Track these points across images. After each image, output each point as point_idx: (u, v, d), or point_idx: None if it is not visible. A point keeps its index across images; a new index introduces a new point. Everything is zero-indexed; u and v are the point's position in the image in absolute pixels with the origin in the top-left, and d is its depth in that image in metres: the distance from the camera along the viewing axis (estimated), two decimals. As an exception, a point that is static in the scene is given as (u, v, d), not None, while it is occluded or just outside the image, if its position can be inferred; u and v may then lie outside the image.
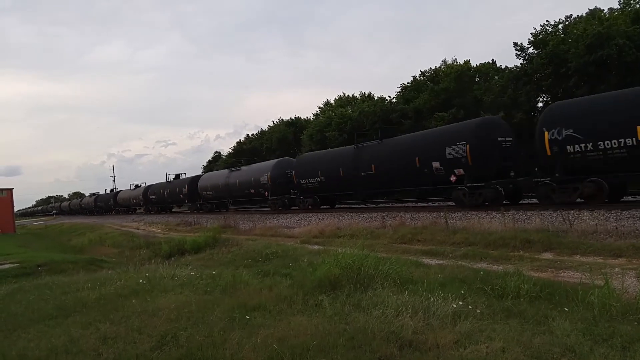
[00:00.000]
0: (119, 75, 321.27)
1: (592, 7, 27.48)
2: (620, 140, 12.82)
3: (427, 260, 10.96)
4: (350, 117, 38.07)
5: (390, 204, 25.88)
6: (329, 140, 36.90)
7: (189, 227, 29.96)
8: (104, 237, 32.47)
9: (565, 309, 5.76)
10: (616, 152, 13.05)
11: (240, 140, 60.35)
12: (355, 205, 27.79)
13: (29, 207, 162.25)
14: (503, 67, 32.89)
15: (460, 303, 5.93)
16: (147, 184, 51.58)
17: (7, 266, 15.44)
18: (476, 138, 16.97)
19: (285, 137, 48.76)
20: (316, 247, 14.95)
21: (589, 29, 23.81)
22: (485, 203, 16.93)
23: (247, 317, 5.89)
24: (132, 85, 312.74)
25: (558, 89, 26.22)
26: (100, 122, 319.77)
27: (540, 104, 28.19)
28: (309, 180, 25.65)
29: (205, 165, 66.33)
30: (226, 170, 36.21)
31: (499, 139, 16.96)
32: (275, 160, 30.77)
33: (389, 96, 41.14)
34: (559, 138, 14.27)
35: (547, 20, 28.09)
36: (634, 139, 12.49)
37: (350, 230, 17.04)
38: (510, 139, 17.26)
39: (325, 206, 26.60)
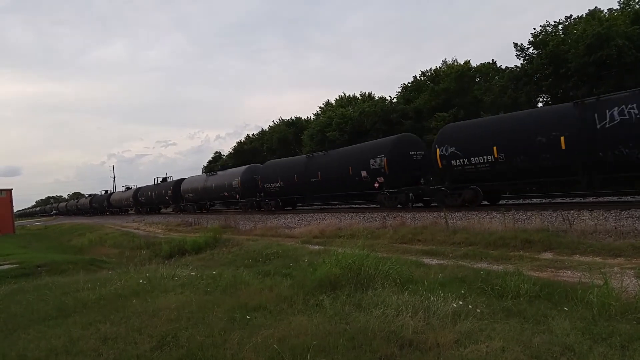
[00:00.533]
0: (120, 76, 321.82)
1: (592, 8, 27.51)
2: (484, 157, 16.51)
3: (427, 260, 10.97)
4: (350, 117, 38.02)
5: (336, 206, 29.76)
6: (330, 140, 36.88)
7: (189, 227, 29.97)
8: (104, 238, 32.46)
9: (565, 308, 5.78)
10: (482, 166, 16.65)
11: (240, 140, 60.14)
12: (310, 207, 31.23)
13: (29, 208, 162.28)
14: (503, 67, 32.90)
15: (461, 303, 5.94)
16: (138, 186, 53.96)
17: (6, 267, 15.44)
18: (391, 153, 20.71)
19: (285, 137, 48.70)
20: (317, 247, 14.95)
21: (588, 29, 23.79)
22: (399, 205, 20.38)
23: (248, 317, 5.90)
24: (133, 85, 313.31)
25: (558, 89, 26.22)
26: (100, 123, 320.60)
27: (540, 104, 28.20)
28: (271, 185, 29.00)
29: (205, 165, 66.18)
30: (205, 174, 39.62)
31: (410, 152, 20.87)
32: (245, 166, 33.83)
33: (389, 96, 41.17)
34: (446, 154, 17.80)
35: (547, 21, 28.16)
36: (491, 156, 16.24)
37: (351, 231, 17.04)
38: (421, 152, 21.02)
39: (288, 208, 30.23)
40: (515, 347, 4.48)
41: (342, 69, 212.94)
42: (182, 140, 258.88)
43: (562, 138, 14.22)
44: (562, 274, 8.77)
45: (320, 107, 50.20)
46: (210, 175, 37.49)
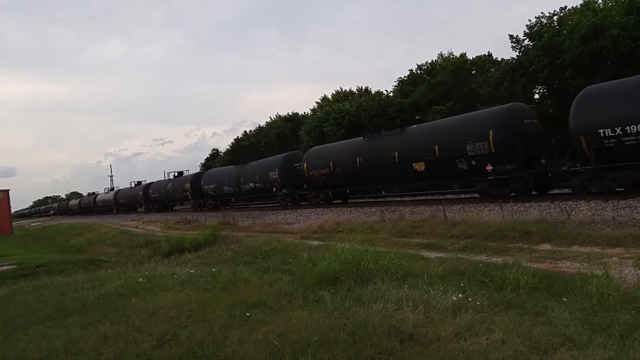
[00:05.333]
0: (115, 74, 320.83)
1: (586, -1, 27.46)
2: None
3: (426, 254, 10.98)
4: (347, 112, 38.01)
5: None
6: (327, 135, 36.87)
7: (188, 224, 29.93)
8: (103, 237, 32.40)
9: (564, 299, 5.80)
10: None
11: (238, 137, 59.95)
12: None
13: (26, 208, 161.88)
14: (499, 59, 32.92)
15: (460, 295, 5.95)
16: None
17: (5, 268, 15.41)
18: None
19: (283, 133, 48.66)
20: (316, 242, 14.94)
21: (583, 20, 23.78)
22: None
23: (248, 313, 5.89)
24: (129, 83, 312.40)
25: (554, 80, 26.22)
26: (96, 121, 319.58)
27: (536, 96, 28.23)
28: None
29: (203, 162, 66.05)
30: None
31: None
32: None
33: (386, 90, 41.17)
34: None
35: (542, 12, 28.05)
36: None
37: (350, 225, 17.05)
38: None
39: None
40: (515, 338, 4.49)
41: (339, 63, 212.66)
42: (178, 138, 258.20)
43: None
44: (561, 265, 8.79)
45: (317, 102, 50.23)
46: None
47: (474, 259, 9.61)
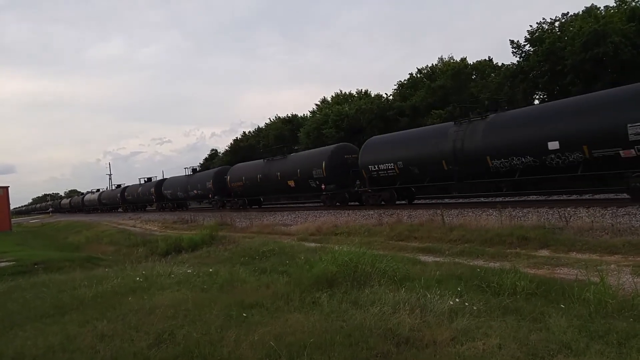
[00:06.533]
0: (116, 73, 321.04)
1: (588, 5, 27.55)
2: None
3: (423, 258, 10.97)
4: (347, 114, 38.05)
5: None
6: (326, 137, 36.88)
7: (185, 224, 29.91)
8: (101, 235, 32.37)
9: (562, 305, 5.79)
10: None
11: (237, 137, 60.00)
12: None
13: (25, 205, 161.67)
14: (499, 64, 32.97)
15: (457, 300, 5.95)
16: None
17: (3, 264, 15.39)
18: None
19: (282, 134, 48.68)
20: (313, 244, 14.92)
21: (585, 26, 23.84)
22: None
23: (244, 314, 5.89)
24: (129, 83, 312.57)
25: (554, 86, 26.28)
26: (96, 120, 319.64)
27: (536, 101, 28.25)
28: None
29: (201, 163, 65.89)
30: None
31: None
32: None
33: (385, 94, 41.21)
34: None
35: (543, 18, 28.14)
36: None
37: (347, 228, 17.04)
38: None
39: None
40: (512, 344, 4.49)
41: (338, 66, 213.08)
42: (177, 138, 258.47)
43: None
44: (558, 271, 8.80)
45: (316, 104, 50.24)
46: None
47: (472, 263, 9.61)
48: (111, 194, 62.93)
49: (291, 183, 26.84)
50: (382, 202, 21.60)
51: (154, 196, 45.80)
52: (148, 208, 51.65)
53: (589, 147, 13.80)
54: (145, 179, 51.41)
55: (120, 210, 57.65)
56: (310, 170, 24.87)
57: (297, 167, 26.38)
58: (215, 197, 35.59)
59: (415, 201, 23.28)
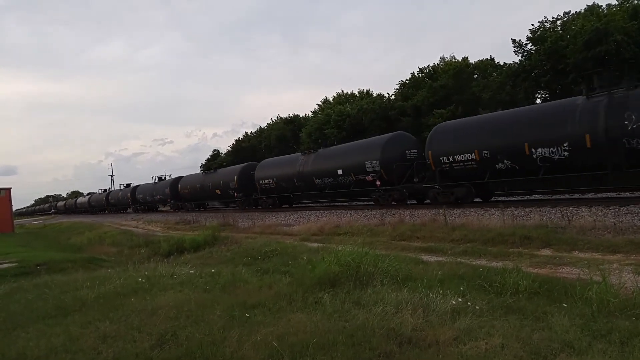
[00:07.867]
0: (117, 74, 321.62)
1: (590, 4, 27.52)
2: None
3: (426, 257, 10.97)
4: (348, 115, 38.04)
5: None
6: (328, 137, 36.88)
7: (187, 225, 29.94)
8: (103, 236, 32.38)
9: (564, 304, 5.78)
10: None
11: (239, 138, 60.05)
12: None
13: (28, 207, 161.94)
14: (501, 63, 32.91)
15: (460, 300, 5.95)
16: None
17: (6, 265, 15.41)
18: None
19: (284, 135, 48.68)
20: (315, 244, 14.93)
21: (587, 25, 23.81)
22: None
23: (247, 315, 5.89)
24: (130, 84, 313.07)
25: (556, 85, 26.25)
26: (97, 121, 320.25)
27: (538, 100, 28.21)
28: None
29: (204, 163, 65.98)
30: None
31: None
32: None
33: (387, 93, 41.19)
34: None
35: (545, 17, 28.11)
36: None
37: (350, 228, 17.02)
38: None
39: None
40: (515, 343, 4.48)
41: (340, 66, 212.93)
42: (179, 139, 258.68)
43: None
44: (561, 270, 8.78)
45: (318, 105, 50.22)
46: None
47: (474, 263, 9.60)
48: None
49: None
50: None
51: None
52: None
53: (354, 173, 22.46)
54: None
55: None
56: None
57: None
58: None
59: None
